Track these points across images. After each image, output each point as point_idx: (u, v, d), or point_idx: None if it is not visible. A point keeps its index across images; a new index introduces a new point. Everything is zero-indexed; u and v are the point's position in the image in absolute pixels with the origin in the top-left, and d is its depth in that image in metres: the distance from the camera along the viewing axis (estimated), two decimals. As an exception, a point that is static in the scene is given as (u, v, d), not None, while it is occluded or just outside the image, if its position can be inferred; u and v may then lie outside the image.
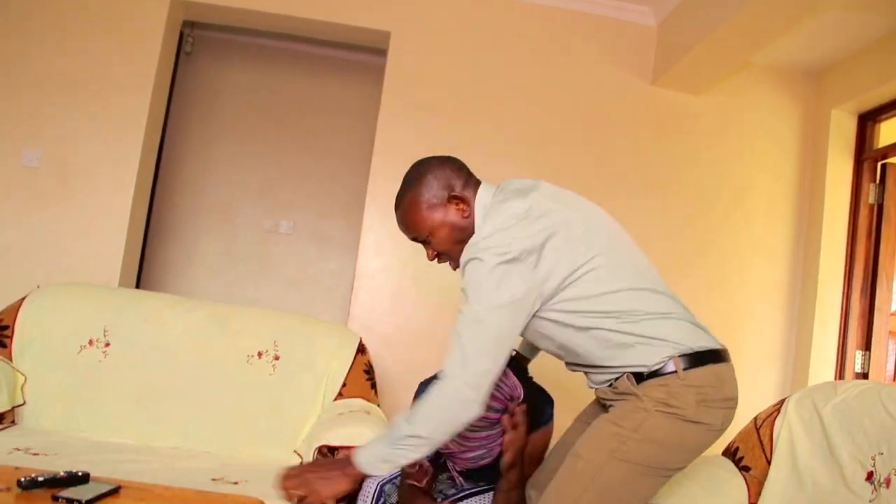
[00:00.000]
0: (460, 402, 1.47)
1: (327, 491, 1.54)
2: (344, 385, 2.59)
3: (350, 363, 2.62)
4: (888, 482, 1.79)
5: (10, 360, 2.48)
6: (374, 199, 3.38)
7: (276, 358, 2.62)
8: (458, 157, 3.41)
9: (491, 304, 1.47)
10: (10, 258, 3.13)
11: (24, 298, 2.59)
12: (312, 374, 2.60)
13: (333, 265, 4.55)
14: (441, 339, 3.36)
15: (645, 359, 1.55)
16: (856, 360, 3.47)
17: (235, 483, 2.12)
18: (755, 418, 2.33)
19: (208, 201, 4.51)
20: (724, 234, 3.61)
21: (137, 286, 3.68)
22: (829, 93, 3.66)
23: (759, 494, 2.14)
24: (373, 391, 2.63)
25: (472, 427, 1.67)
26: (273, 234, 4.52)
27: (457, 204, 1.64)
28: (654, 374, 1.55)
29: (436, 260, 1.73)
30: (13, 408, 2.42)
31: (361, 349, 2.70)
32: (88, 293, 2.68)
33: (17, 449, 2.11)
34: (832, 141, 3.58)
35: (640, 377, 1.56)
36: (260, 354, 2.61)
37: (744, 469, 2.25)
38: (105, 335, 2.56)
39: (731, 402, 1.61)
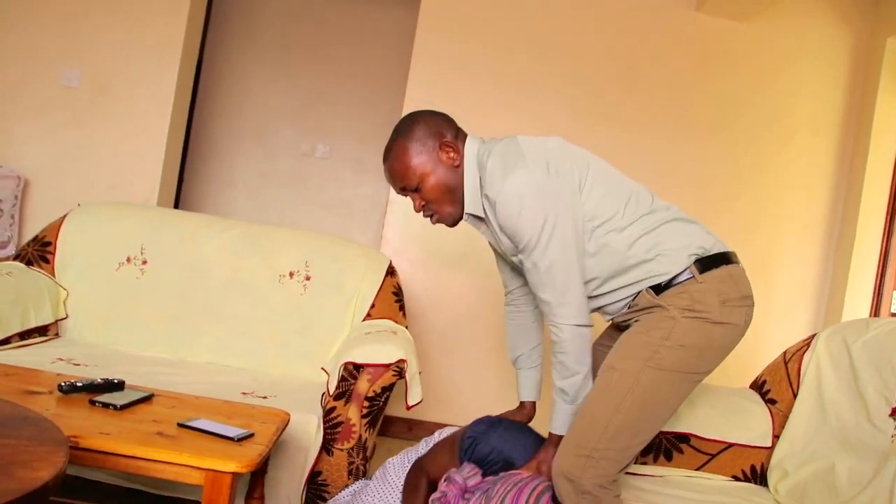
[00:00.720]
0: (582, 334, 1.59)
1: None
2: (373, 306, 2.63)
3: (379, 285, 2.65)
4: (911, 418, 1.76)
5: (53, 275, 2.57)
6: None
7: (308, 278, 2.65)
8: (490, 86, 3.34)
9: (549, 245, 1.53)
10: (51, 176, 3.19)
11: (65, 216, 2.66)
12: (342, 294, 2.63)
13: (368, 189, 4.56)
14: (470, 264, 3.37)
15: (663, 269, 1.59)
16: (892, 301, 3.38)
17: (264, 398, 2.19)
18: (784, 353, 2.32)
19: (246, 124, 4.51)
20: (766, 169, 3.48)
21: (176, 206, 3.74)
22: (886, 19, 3.45)
23: (784, 427, 2.15)
24: (401, 313, 2.66)
25: None
26: (309, 157, 4.53)
27: (447, 151, 1.65)
28: (671, 283, 1.59)
29: (422, 212, 1.72)
30: (56, 321, 2.52)
31: (391, 272, 2.72)
32: (127, 212, 2.73)
33: (60, 359, 2.20)
34: (885, 72, 3.39)
35: (657, 289, 1.59)
36: (291, 275, 2.65)
37: (770, 402, 2.25)
38: (142, 253, 2.62)
39: (749, 300, 1.64)
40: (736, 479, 2.17)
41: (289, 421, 1.80)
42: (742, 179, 3.48)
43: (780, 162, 3.49)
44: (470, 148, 1.67)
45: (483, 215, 1.67)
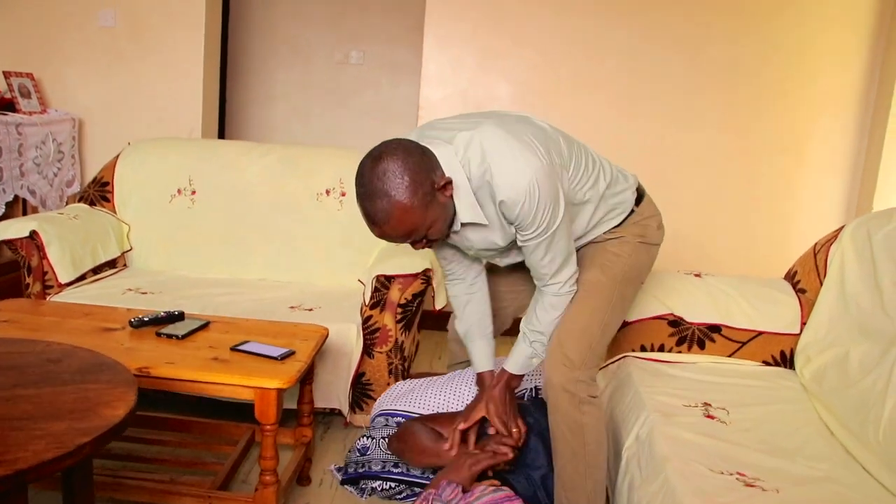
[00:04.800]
0: (566, 301, 1.88)
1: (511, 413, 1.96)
2: None
3: None
4: (919, 311, 1.95)
5: (115, 212, 3.00)
6: (432, 29, 3.49)
7: (343, 194, 2.99)
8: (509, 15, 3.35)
9: (556, 222, 1.70)
10: (103, 115, 3.55)
11: (117, 156, 3.05)
12: (378, 207, 2.95)
13: (405, 91, 4.75)
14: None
15: (619, 216, 1.95)
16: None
17: (310, 310, 2.59)
18: (815, 244, 2.51)
19: (279, 37, 4.75)
20: (793, 39, 3.48)
21: (221, 128, 4.06)
22: None
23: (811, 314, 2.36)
24: None
25: None
26: (344, 65, 4.75)
27: (445, 190, 1.61)
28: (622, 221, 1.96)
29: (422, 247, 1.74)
30: (122, 253, 2.96)
31: (423, 182, 3.00)
32: (172, 147, 3.10)
33: (130, 289, 2.64)
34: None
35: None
36: (328, 192, 2.99)
37: (800, 291, 2.46)
38: (191, 184, 3.00)
39: (662, 224, 2.07)
40: (766, 363, 2.42)
41: (327, 335, 2.17)
42: (765, 50, 3.50)
43: (807, 32, 3.47)
44: (446, 160, 1.63)
45: (482, 222, 1.70)
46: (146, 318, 2.06)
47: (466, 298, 2.03)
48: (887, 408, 1.85)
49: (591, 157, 1.88)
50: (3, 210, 2.99)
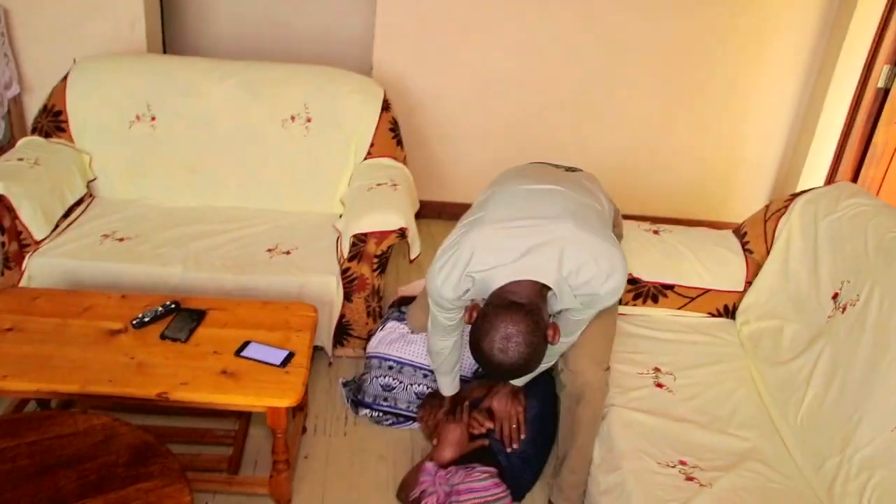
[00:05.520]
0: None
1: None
2: (372, 145, 3.01)
3: (376, 123, 3.00)
4: (844, 309, 2.22)
5: (73, 141, 2.88)
6: None
7: (309, 120, 2.97)
8: None
9: None
10: (26, 3, 3.20)
11: (66, 78, 2.86)
12: (342, 133, 2.99)
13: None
14: (463, 56, 3.66)
15: None
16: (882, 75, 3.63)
17: (287, 253, 2.72)
18: (766, 208, 2.72)
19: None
20: None
21: (163, 22, 3.69)
22: None
23: (756, 274, 2.64)
24: (398, 147, 3.05)
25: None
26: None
27: (553, 335, 1.80)
28: None
29: None
30: (87, 183, 2.91)
31: (386, 106, 3.02)
32: (124, 67, 2.95)
33: (106, 236, 2.67)
34: None
35: None
36: (293, 118, 2.96)
37: (748, 251, 2.71)
38: (149, 110, 2.89)
39: None
40: (711, 315, 2.71)
41: (317, 317, 2.34)
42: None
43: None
44: (558, 289, 1.83)
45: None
46: (146, 318, 2.17)
47: (452, 351, 2.29)
48: (807, 399, 2.18)
49: None
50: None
